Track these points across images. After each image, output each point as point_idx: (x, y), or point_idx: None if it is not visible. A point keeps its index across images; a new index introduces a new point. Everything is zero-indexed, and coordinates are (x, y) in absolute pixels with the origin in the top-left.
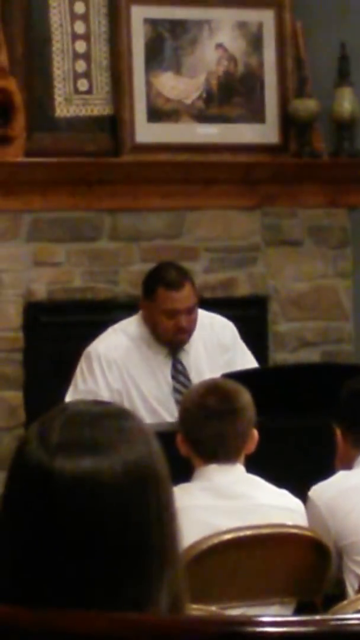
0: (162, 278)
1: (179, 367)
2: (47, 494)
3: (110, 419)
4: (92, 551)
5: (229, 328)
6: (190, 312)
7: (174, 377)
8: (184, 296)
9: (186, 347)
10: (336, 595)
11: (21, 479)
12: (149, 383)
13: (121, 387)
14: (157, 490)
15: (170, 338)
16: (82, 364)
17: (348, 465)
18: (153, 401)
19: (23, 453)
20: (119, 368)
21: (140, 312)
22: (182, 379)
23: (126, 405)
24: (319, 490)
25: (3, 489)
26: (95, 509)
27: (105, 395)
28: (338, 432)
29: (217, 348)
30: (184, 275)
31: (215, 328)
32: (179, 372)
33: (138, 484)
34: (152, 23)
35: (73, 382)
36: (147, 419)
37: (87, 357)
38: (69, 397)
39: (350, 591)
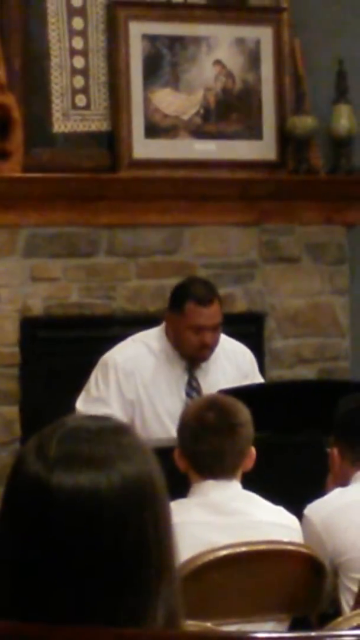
0: (192, 293)
1: (194, 384)
2: (44, 508)
3: (108, 434)
4: (89, 566)
5: (248, 355)
6: (216, 329)
7: (188, 394)
8: (212, 313)
9: (204, 365)
10: (330, 614)
11: (19, 493)
12: (163, 396)
13: (134, 398)
14: (154, 505)
15: (193, 353)
16: (97, 371)
17: (343, 483)
18: (164, 415)
19: (21, 467)
20: (134, 379)
21: (163, 325)
22: (195, 396)
23: (137, 417)
24: (315, 508)
25: (0, 503)
26: (92, 524)
27: (115, 406)
28: (334, 449)
29: (235, 372)
30: (213, 292)
31: (236, 353)
32: (193, 389)
33: (136, 499)
34: (150, 39)
35: (86, 388)
36: (157, 432)
37: (104, 365)
38: (80, 403)
39: (346, 608)
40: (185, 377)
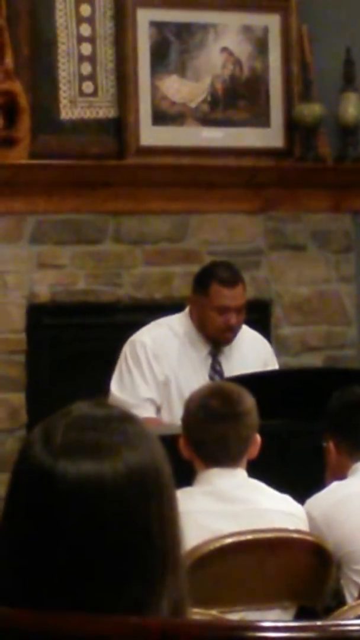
0: (217, 274)
1: (217, 367)
2: (49, 496)
3: (114, 422)
4: (94, 554)
5: (268, 346)
6: (240, 311)
7: (211, 377)
8: (237, 294)
9: (226, 350)
10: (334, 607)
11: (24, 480)
12: (189, 379)
13: (163, 379)
14: (160, 494)
15: (217, 335)
16: (126, 353)
17: (341, 476)
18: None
19: (26, 455)
20: (162, 361)
21: (187, 309)
22: (218, 379)
23: (164, 398)
24: (315, 502)
25: (6, 491)
26: (97, 512)
27: (152, 386)
28: (330, 443)
29: (255, 358)
30: (238, 275)
31: (256, 341)
32: (216, 373)
33: (141, 487)
34: (157, 26)
35: (117, 371)
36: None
37: (132, 346)
38: (115, 388)
39: (350, 600)
40: (209, 361)
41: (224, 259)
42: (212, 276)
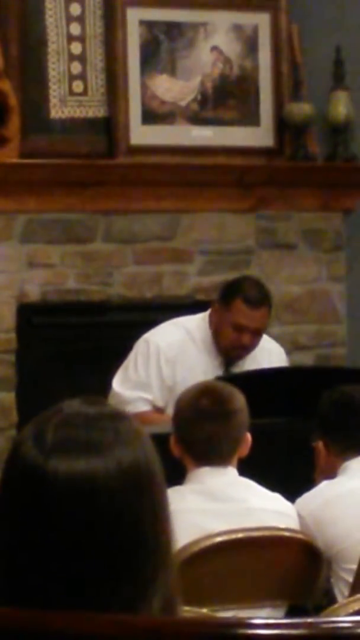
0: (244, 291)
1: None
2: (41, 494)
3: (105, 420)
4: (86, 552)
5: (283, 356)
6: (257, 333)
7: None
8: (258, 316)
9: (240, 361)
10: (324, 605)
11: (15, 479)
12: None
13: (172, 384)
14: (151, 492)
15: (228, 349)
16: (137, 352)
17: (330, 476)
18: None
19: (18, 453)
20: (175, 366)
21: (208, 312)
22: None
23: (171, 401)
24: (304, 502)
25: None
26: (89, 510)
27: (155, 390)
28: (319, 442)
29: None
30: (266, 297)
31: (273, 355)
32: None
33: (132, 485)
34: (147, 25)
35: (124, 367)
36: None
37: (145, 346)
38: (117, 382)
39: (340, 599)
40: (222, 370)
41: (251, 276)
42: (239, 291)
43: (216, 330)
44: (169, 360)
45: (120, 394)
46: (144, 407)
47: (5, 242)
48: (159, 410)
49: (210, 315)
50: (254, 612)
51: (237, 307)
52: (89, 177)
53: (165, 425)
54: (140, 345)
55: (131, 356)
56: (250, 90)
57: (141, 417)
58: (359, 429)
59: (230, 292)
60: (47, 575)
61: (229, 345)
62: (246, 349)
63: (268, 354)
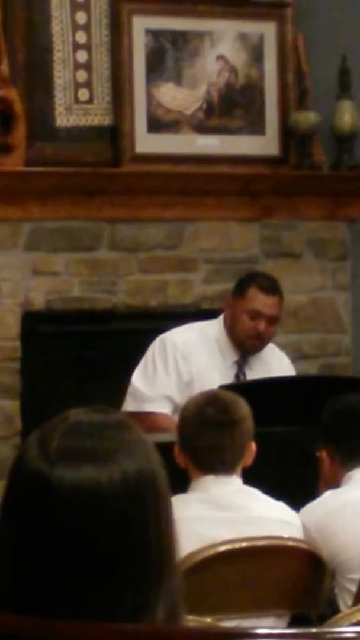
0: (258, 280)
1: (241, 377)
2: (45, 502)
3: (111, 429)
4: (90, 561)
5: (292, 366)
6: (272, 322)
7: None
8: (273, 303)
9: (252, 361)
10: (328, 615)
11: (20, 487)
12: (212, 383)
13: (189, 380)
14: (156, 501)
15: (245, 340)
16: (154, 349)
17: (334, 485)
18: None
19: (23, 461)
20: (190, 363)
21: (220, 317)
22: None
23: (187, 398)
24: (308, 512)
25: (2, 497)
26: (93, 519)
27: (174, 386)
28: (323, 452)
29: (276, 374)
30: (278, 287)
31: (282, 363)
32: None
33: (137, 494)
34: (153, 34)
35: (142, 365)
36: None
37: (162, 343)
38: (136, 379)
39: (344, 609)
40: (234, 370)
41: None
42: (253, 281)
43: (232, 324)
44: (184, 356)
45: (140, 391)
46: (162, 407)
47: (10, 250)
48: (178, 408)
49: (224, 316)
50: (258, 621)
51: (252, 294)
52: (94, 185)
53: (172, 433)
54: (156, 343)
55: (148, 354)
56: (255, 99)
57: (155, 419)
58: None
59: (245, 282)
60: (51, 583)
61: (246, 335)
62: (261, 338)
63: (279, 360)
